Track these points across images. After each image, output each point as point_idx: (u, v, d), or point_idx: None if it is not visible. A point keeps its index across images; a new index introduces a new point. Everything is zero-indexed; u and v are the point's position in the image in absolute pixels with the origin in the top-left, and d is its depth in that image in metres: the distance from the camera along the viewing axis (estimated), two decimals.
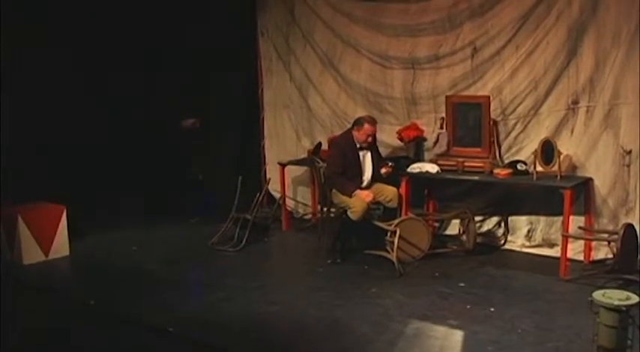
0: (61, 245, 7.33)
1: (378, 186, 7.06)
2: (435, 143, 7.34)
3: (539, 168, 6.58)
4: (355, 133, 6.99)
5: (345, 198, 6.92)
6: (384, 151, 7.62)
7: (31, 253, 7.12)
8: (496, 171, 6.81)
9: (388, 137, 7.83)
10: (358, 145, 7.01)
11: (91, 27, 8.41)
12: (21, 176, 7.56)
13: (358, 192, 6.88)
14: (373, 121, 7.04)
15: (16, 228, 7.03)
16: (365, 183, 7.05)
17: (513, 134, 7.14)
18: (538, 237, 7.15)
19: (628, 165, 6.45)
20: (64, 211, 7.34)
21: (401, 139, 7.58)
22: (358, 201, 6.80)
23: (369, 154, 7.09)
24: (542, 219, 7.10)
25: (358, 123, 7.00)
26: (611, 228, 6.52)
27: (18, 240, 7.06)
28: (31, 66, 7.94)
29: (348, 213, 6.84)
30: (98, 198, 8.40)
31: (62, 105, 8.24)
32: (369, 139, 6.99)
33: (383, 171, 7.06)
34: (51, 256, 7.25)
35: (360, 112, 7.57)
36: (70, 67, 8.39)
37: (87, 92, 8.62)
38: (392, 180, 7.12)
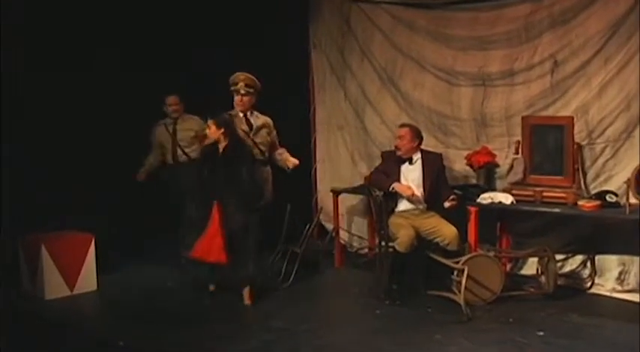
0: (88, 279, 6.96)
1: (437, 222, 6.67)
2: (509, 170, 6.94)
3: (632, 200, 6.04)
4: None
5: (393, 230, 6.56)
6: (450, 178, 7.21)
7: (55, 287, 6.74)
8: (581, 202, 6.34)
9: (454, 163, 7.47)
10: (399, 154, 6.84)
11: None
12: (46, 202, 7.21)
13: (396, 185, 6.68)
14: (404, 125, 6.95)
15: (39, 259, 6.67)
16: (404, 205, 6.78)
17: (601, 160, 6.68)
18: (632, 280, 6.59)
19: None
20: (92, 241, 6.97)
21: (470, 165, 7.24)
22: (402, 230, 6.48)
23: (416, 170, 6.80)
24: (637, 259, 6.54)
25: None
26: None
27: (40, 273, 6.68)
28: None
29: (395, 245, 6.48)
30: (132, 228, 7.94)
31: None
32: (398, 143, 6.83)
33: (447, 204, 6.72)
34: (76, 291, 6.87)
35: (424, 134, 7.14)
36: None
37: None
38: (455, 215, 6.73)
